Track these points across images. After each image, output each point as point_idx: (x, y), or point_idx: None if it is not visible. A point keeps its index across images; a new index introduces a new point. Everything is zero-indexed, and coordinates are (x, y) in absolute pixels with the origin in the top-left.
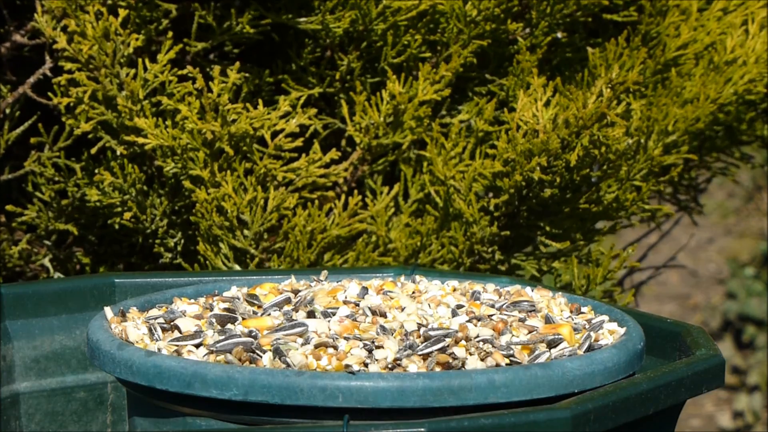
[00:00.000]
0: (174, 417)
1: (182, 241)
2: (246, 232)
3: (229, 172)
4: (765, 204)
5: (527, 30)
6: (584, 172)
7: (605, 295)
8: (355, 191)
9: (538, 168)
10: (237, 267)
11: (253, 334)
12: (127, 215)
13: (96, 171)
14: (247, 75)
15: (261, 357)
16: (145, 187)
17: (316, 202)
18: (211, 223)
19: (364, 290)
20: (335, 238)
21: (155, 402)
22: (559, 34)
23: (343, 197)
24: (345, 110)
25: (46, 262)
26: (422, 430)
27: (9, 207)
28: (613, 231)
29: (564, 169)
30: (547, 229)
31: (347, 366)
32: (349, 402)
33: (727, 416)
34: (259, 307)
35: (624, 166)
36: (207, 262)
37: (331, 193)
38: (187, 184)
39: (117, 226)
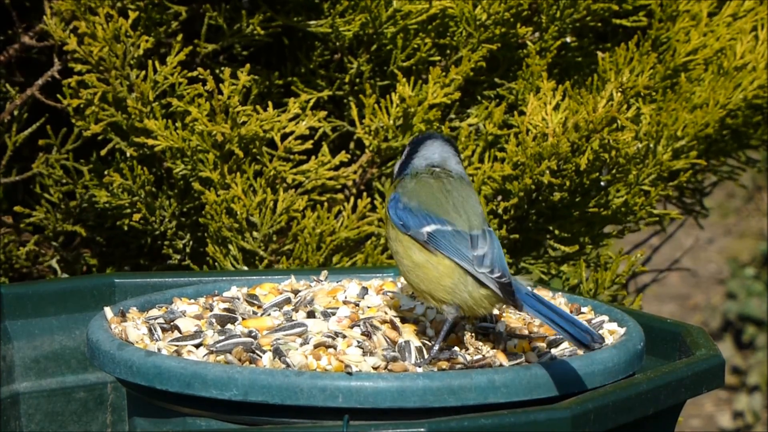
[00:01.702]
0: (174, 417)
1: (191, 242)
2: (255, 234)
3: (238, 174)
4: (765, 204)
5: (537, 34)
6: (594, 176)
7: (612, 299)
8: (364, 194)
9: (547, 171)
10: (246, 269)
11: (253, 334)
12: (136, 217)
13: (105, 173)
14: (256, 77)
15: (261, 357)
16: (154, 189)
17: (326, 204)
18: (221, 225)
19: (364, 290)
20: (344, 241)
21: (155, 402)
22: (569, 39)
23: (352, 200)
24: (354, 113)
25: (53, 263)
26: (422, 430)
27: (17, 208)
28: (621, 235)
29: (574, 173)
30: (556, 232)
31: (347, 366)
32: (349, 402)
33: (727, 416)
34: (259, 307)
35: (633, 171)
36: (216, 263)
37: (340, 196)
38: (196, 185)
39: (126, 228)
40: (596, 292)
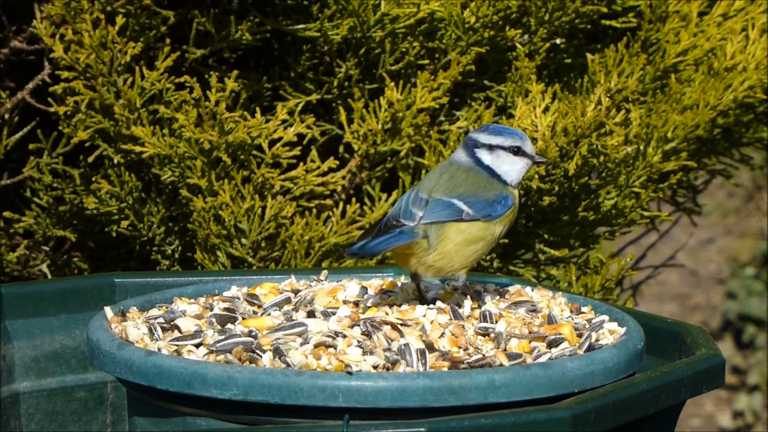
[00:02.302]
0: (174, 417)
1: (179, 248)
2: (244, 240)
3: (226, 180)
4: (765, 204)
5: (526, 36)
6: (583, 180)
7: (603, 301)
8: (353, 198)
9: (536, 176)
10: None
11: (253, 333)
12: (125, 223)
13: (93, 179)
14: (245, 81)
15: (261, 357)
16: (142, 195)
17: (314, 210)
18: (209, 232)
19: (364, 290)
20: (333, 246)
21: (155, 402)
22: (558, 41)
23: (341, 205)
24: (343, 117)
25: (44, 267)
26: (422, 430)
27: (7, 213)
28: (612, 237)
29: (563, 178)
30: (546, 236)
31: (347, 366)
32: (349, 402)
33: (727, 416)
34: (259, 306)
35: (623, 174)
36: (204, 270)
37: (329, 201)
38: (184, 192)
39: (114, 234)
40: (586, 296)
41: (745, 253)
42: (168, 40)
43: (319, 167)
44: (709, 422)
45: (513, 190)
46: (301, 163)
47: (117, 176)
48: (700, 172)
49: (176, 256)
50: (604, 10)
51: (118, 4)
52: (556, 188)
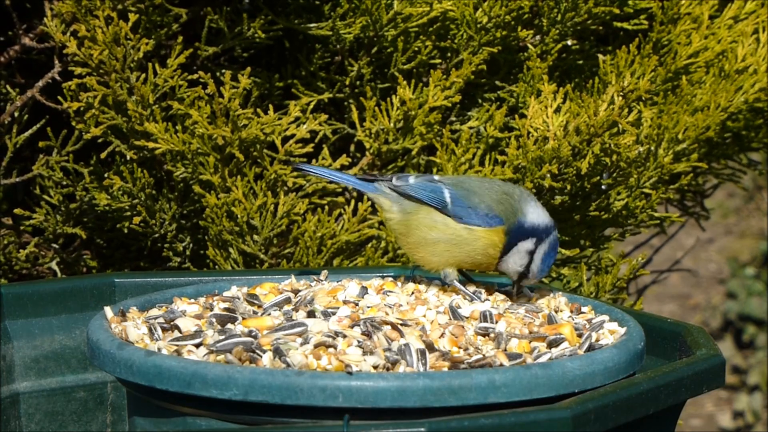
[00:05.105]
0: (174, 417)
1: (191, 245)
2: (256, 237)
3: (239, 177)
4: (765, 204)
5: (538, 37)
6: (595, 179)
7: (613, 302)
8: (365, 197)
9: (548, 175)
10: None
11: (253, 333)
12: (136, 219)
13: (105, 175)
14: (257, 79)
15: (261, 357)
16: (154, 192)
17: (326, 207)
18: (221, 228)
19: (364, 290)
20: (345, 244)
21: (155, 402)
22: (570, 42)
23: (352, 203)
24: (355, 115)
25: (53, 265)
26: (422, 430)
27: (17, 210)
28: (622, 238)
29: (575, 177)
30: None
31: (347, 366)
32: (349, 402)
33: (728, 416)
34: (259, 306)
35: (634, 174)
36: (216, 266)
37: (340, 199)
38: (197, 188)
39: (126, 230)
40: (597, 296)
41: (745, 253)
42: (180, 38)
43: (331, 165)
44: (709, 422)
45: (505, 236)
46: (314, 161)
47: (129, 173)
48: (708, 177)
49: (188, 253)
50: (616, 11)
51: (129, 3)
52: (569, 187)
